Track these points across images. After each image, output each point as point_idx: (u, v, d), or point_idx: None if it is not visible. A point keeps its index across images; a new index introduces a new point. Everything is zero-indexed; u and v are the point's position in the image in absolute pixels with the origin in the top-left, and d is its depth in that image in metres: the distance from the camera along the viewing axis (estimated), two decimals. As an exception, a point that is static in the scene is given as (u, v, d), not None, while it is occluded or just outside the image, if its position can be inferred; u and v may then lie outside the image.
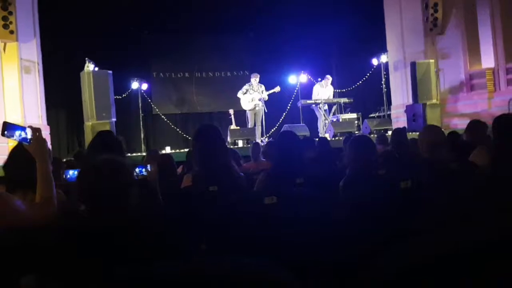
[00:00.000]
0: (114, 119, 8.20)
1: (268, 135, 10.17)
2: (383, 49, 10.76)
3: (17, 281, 1.57)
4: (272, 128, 10.88)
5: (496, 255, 0.99)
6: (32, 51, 8.64)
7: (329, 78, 10.40)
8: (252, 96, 9.66)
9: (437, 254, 1.03)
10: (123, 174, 1.74)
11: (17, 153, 2.07)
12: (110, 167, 1.72)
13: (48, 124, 9.06)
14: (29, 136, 1.94)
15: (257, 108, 9.68)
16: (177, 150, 8.68)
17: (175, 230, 1.95)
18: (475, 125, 3.72)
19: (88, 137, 7.82)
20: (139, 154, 8.70)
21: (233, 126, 10.12)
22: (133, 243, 1.59)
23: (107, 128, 7.78)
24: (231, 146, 8.47)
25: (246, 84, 9.83)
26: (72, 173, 2.43)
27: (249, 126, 9.71)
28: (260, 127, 9.76)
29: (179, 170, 5.09)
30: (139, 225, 1.75)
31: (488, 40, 9.59)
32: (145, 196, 2.51)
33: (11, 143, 2.00)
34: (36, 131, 1.96)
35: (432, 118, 9.21)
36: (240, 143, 9.11)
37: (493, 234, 1.05)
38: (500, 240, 1.01)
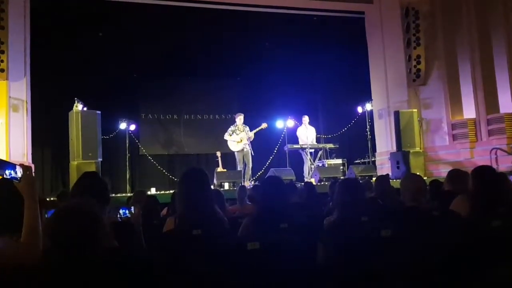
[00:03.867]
0: (100, 159, 8.16)
1: (254, 178, 10.16)
2: (368, 97, 11.03)
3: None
4: (259, 171, 10.90)
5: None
6: (21, 89, 8.68)
7: (305, 117, 10.50)
8: (240, 137, 9.66)
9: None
10: (89, 220, 1.74)
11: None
12: (74, 213, 1.72)
13: (33, 162, 8.97)
14: (19, 174, 1.95)
15: (245, 150, 9.69)
16: (163, 192, 8.60)
17: (156, 275, 1.94)
18: (454, 175, 3.79)
19: (73, 176, 7.73)
20: (124, 194, 8.61)
21: (219, 169, 10.12)
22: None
23: (93, 168, 7.73)
24: (217, 188, 8.43)
25: (232, 126, 9.86)
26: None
27: (239, 168, 9.65)
28: (250, 168, 9.74)
29: (164, 212, 5.05)
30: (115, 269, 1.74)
31: (469, 91, 9.93)
32: (127, 239, 2.50)
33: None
34: (26, 169, 1.96)
35: (416, 165, 9.35)
36: (226, 186, 9.07)
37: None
38: None
